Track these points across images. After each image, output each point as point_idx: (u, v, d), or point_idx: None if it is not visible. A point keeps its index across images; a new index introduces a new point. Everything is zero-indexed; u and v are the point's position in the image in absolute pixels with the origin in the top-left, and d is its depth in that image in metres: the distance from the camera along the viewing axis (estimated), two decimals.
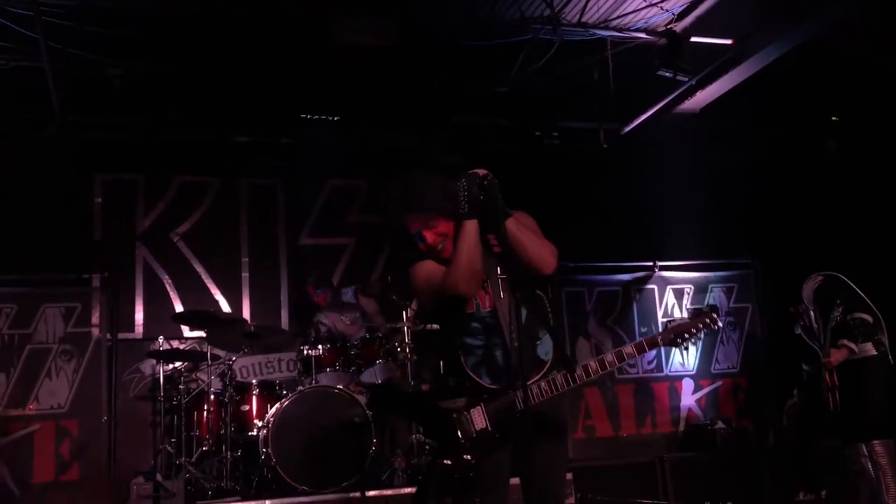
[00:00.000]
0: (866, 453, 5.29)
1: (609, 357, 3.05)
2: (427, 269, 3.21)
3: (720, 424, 6.41)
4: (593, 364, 3.03)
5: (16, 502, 5.51)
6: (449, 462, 3.02)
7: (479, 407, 3.06)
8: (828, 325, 5.44)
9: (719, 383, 7.21)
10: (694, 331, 3.09)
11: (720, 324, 3.14)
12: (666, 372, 7.07)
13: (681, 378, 7.11)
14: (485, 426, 3.04)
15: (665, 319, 7.18)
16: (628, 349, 3.06)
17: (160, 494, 5.06)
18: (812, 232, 7.02)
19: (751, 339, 7.35)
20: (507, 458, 3.12)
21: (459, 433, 3.04)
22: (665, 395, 7.05)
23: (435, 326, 3.91)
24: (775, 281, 7.13)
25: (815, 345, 5.68)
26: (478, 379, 3.11)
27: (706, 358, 7.24)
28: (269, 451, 5.16)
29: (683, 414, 7.02)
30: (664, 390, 7.05)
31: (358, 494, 4.95)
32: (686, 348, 3.14)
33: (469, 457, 3.01)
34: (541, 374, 3.12)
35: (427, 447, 5.71)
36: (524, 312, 3.03)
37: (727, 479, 5.86)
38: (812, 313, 5.61)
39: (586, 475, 5.53)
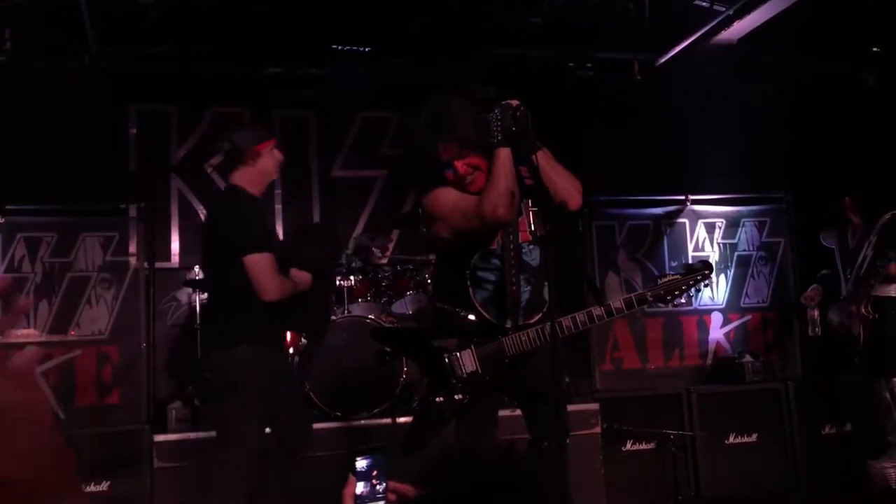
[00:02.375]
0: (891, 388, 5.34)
1: (597, 311, 3.06)
2: (453, 194, 3.18)
3: (748, 358, 6.42)
4: (580, 316, 3.05)
5: (61, 424, 5.71)
6: (441, 399, 3.08)
7: (469, 349, 3.09)
8: (876, 260, 5.40)
9: (748, 317, 7.21)
10: (684, 287, 3.08)
11: (712, 279, 3.14)
12: (695, 305, 7.08)
13: (710, 312, 7.12)
14: (474, 369, 3.08)
15: (696, 253, 7.17)
16: (617, 304, 3.06)
17: (198, 418, 5.23)
18: (848, 167, 6.91)
19: (782, 273, 7.31)
20: (496, 399, 3.18)
21: (451, 374, 3.09)
22: (693, 328, 7.07)
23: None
24: (808, 216, 7.06)
25: (839, 259, 5.69)
26: (485, 314, 3.14)
27: (736, 292, 7.23)
28: (303, 377, 5.29)
29: (711, 347, 7.05)
30: (693, 324, 7.07)
31: (389, 420, 5.09)
32: (676, 305, 3.13)
33: (460, 396, 3.06)
34: (541, 315, 3.17)
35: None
36: (541, 252, 3.07)
37: (753, 412, 5.92)
38: (867, 242, 5.57)
39: (613, 406, 5.62)
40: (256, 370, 3.69)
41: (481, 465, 3.16)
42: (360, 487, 1.59)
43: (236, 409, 3.68)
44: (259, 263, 3.66)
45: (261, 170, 4.03)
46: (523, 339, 3.05)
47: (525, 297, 3.14)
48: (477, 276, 3.18)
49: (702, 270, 3.10)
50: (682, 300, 3.13)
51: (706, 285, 3.13)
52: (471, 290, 3.15)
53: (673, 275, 3.15)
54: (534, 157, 3.03)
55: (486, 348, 3.08)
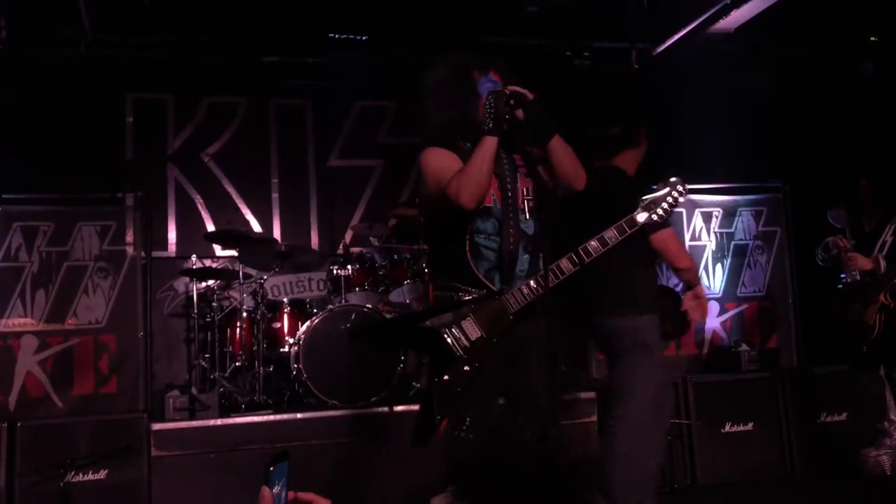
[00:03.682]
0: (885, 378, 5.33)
1: (593, 243, 3.09)
2: (443, 159, 3.13)
3: (744, 347, 6.43)
4: (578, 252, 3.09)
5: (58, 412, 5.72)
6: (448, 377, 2.97)
7: (468, 318, 2.99)
8: None
9: (745, 306, 7.22)
10: (666, 197, 3.33)
11: (685, 190, 3.31)
12: None
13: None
14: (479, 335, 2.98)
15: (693, 242, 7.17)
16: (609, 233, 3.13)
17: (195, 407, 5.23)
18: (845, 156, 6.91)
19: (778, 263, 7.32)
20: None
21: (455, 347, 2.98)
22: None
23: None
24: (805, 205, 7.06)
25: (843, 226, 5.61)
26: (490, 285, 3.06)
27: (732, 281, 7.24)
28: (300, 366, 5.30)
29: (708, 336, 7.06)
30: None
31: (386, 409, 5.10)
32: (662, 218, 3.31)
33: (468, 368, 2.97)
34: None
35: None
36: (538, 224, 3.07)
37: (749, 401, 5.92)
38: (889, 227, 5.49)
39: (610, 395, 5.62)
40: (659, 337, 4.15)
41: (509, 460, 3.06)
42: (272, 498, 1.57)
43: (649, 369, 4.01)
44: (670, 237, 4.17)
45: (642, 152, 4.54)
46: (525, 291, 3.00)
47: (525, 266, 3.09)
48: (476, 242, 3.08)
49: (678, 183, 3.42)
50: (663, 213, 3.33)
51: (681, 193, 3.41)
52: (472, 262, 3.05)
53: (652, 192, 3.37)
54: (549, 143, 3.11)
55: (485, 311, 2.99)
